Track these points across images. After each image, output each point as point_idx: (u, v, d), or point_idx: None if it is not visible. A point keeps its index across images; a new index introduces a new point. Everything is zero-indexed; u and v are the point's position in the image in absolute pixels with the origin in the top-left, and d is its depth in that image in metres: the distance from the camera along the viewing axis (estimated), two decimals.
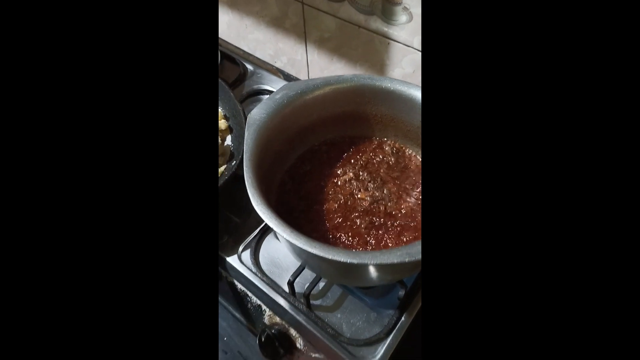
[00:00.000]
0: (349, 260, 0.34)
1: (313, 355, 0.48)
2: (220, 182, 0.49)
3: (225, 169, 0.53)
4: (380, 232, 0.46)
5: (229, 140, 0.58)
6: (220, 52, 0.80)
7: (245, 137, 0.43)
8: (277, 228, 0.36)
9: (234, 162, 0.52)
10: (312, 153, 0.53)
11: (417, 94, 0.47)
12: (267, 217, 0.38)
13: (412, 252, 0.33)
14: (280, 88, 0.47)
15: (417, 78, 0.64)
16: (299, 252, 0.41)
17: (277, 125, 0.47)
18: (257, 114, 0.45)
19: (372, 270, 0.40)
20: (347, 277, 0.44)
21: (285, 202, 0.49)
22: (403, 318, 0.46)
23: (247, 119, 0.45)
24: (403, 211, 0.47)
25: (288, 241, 0.39)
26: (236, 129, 0.57)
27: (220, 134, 0.56)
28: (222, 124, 0.56)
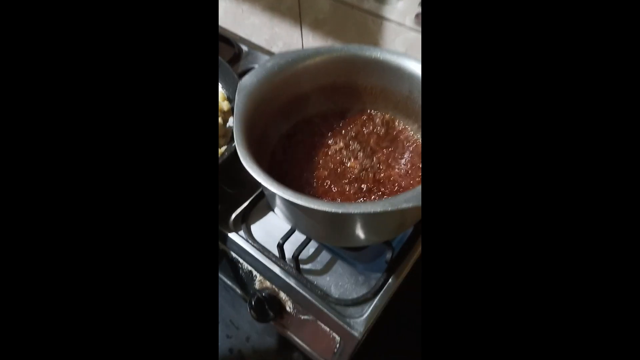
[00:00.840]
0: (333, 210, 0.35)
1: (302, 317, 0.49)
2: (220, 160, 0.50)
3: (225, 149, 0.53)
4: (372, 198, 0.47)
5: (231, 122, 0.59)
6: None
7: (235, 102, 0.45)
8: (266, 182, 0.38)
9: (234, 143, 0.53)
10: (303, 123, 0.54)
11: (407, 63, 0.48)
12: (255, 173, 0.39)
13: (395, 202, 0.34)
14: (272, 57, 0.48)
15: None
16: (286, 208, 0.43)
17: (267, 92, 0.48)
18: (248, 80, 0.47)
19: (358, 226, 0.41)
20: (334, 235, 0.45)
21: (276, 169, 0.50)
22: (390, 280, 0.47)
23: (238, 85, 0.46)
24: (391, 179, 0.49)
25: (276, 197, 0.40)
26: None
27: (222, 115, 0.57)
28: (225, 105, 0.57)
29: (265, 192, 0.47)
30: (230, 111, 0.58)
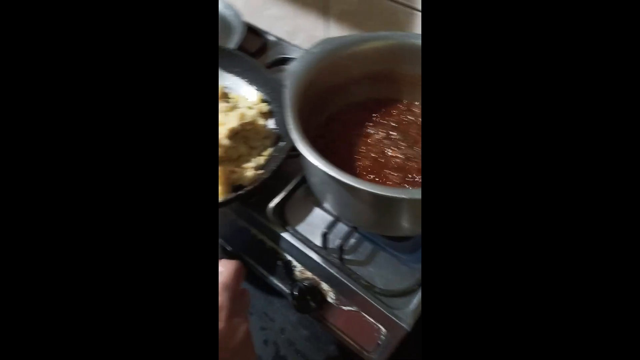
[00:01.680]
0: (389, 194, 0.35)
1: (345, 308, 0.48)
2: (277, 162, 0.49)
3: (274, 150, 0.53)
4: (415, 187, 0.46)
5: (271, 123, 0.58)
6: (244, 23, 0.80)
7: (286, 88, 0.44)
8: (326, 167, 0.37)
9: (283, 142, 0.53)
10: (342, 113, 0.53)
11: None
12: (314, 158, 0.38)
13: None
14: (319, 42, 0.48)
15: None
16: (336, 194, 0.42)
17: (313, 78, 0.47)
18: (296, 66, 0.46)
19: (407, 214, 0.40)
20: (381, 222, 0.44)
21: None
22: None
23: (286, 71, 0.45)
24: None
25: (326, 184, 0.39)
26: (278, 111, 0.56)
27: (263, 116, 0.56)
28: (264, 106, 0.56)
29: (312, 179, 0.46)
30: (270, 112, 0.57)
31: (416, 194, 0.35)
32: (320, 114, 0.52)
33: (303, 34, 0.85)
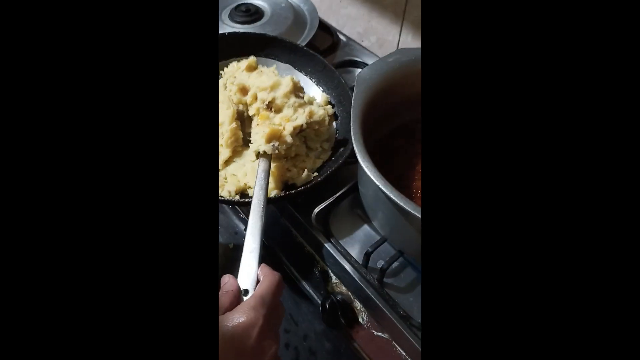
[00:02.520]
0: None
1: (375, 333, 0.45)
2: (332, 168, 0.49)
3: (332, 154, 0.52)
4: None
5: (333, 128, 0.57)
6: (318, 19, 0.78)
7: (354, 94, 0.42)
8: (382, 184, 0.34)
9: (342, 149, 0.51)
10: (407, 128, 0.51)
11: None
12: (372, 173, 0.36)
13: None
14: (394, 52, 0.45)
15: None
16: (388, 214, 0.39)
17: (384, 88, 0.45)
18: (367, 73, 0.44)
19: None
20: None
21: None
22: None
23: (357, 77, 0.43)
24: None
25: (378, 199, 0.37)
26: (342, 116, 0.55)
27: (328, 118, 0.55)
28: (329, 109, 0.55)
29: (365, 193, 0.44)
30: (334, 116, 0.55)
31: None
32: (385, 125, 0.50)
33: (374, 37, 0.83)
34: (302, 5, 0.77)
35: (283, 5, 0.75)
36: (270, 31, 0.67)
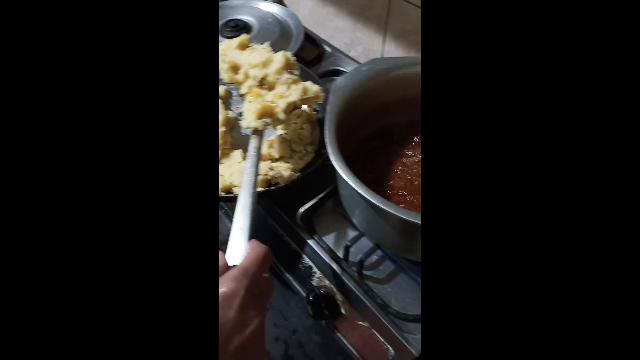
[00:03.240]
0: (415, 220, 0.35)
1: (357, 322, 0.48)
2: (312, 167, 0.51)
3: (316, 156, 0.55)
4: None
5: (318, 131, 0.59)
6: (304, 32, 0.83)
7: (329, 101, 0.45)
8: (355, 184, 0.38)
9: (324, 151, 0.55)
10: (384, 132, 0.54)
11: None
12: (345, 174, 0.39)
13: None
14: (368, 61, 0.49)
15: None
16: (364, 211, 0.43)
17: (359, 96, 0.48)
18: (342, 82, 0.47)
19: None
20: (406, 245, 0.44)
21: (352, 172, 0.50)
22: None
23: (332, 85, 0.47)
24: None
25: (356, 199, 0.40)
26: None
27: (310, 124, 0.57)
28: (313, 115, 0.58)
29: (343, 192, 0.48)
30: (319, 121, 0.58)
31: None
32: (363, 129, 0.53)
33: (360, 47, 0.87)
34: (288, 19, 0.81)
35: (270, 20, 0.80)
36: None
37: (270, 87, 0.48)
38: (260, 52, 0.50)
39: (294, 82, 0.49)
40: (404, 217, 0.36)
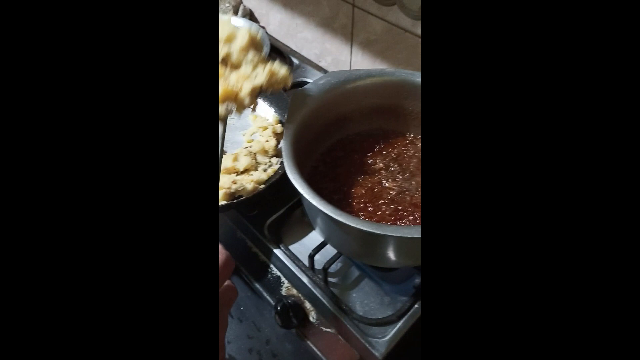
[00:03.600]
0: (370, 230, 0.36)
1: (324, 329, 0.49)
2: (275, 178, 0.53)
3: (280, 168, 0.56)
4: (404, 221, 0.47)
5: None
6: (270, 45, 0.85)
7: (287, 115, 0.47)
8: (308, 196, 0.39)
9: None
10: (346, 141, 0.56)
11: None
12: (299, 185, 0.40)
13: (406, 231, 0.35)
14: (325, 75, 0.50)
15: None
16: (323, 221, 0.44)
17: (317, 109, 0.50)
18: (301, 95, 0.49)
19: (391, 248, 0.41)
20: (366, 253, 0.45)
21: (316, 182, 0.52)
22: (416, 305, 0.47)
23: (291, 97, 0.49)
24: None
25: (314, 210, 0.41)
26: None
27: (276, 137, 0.58)
28: (278, 127, 0.59)
29: (304, 203, 0.49)
30: (283, 134, 0.60)
31: (403, 232, 0.36)
32: (325, 140, 0.55)
33: (329, 57, 0.89)
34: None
35: None
36: None
37: (234, 67, 0.41)
38: (222, 25, 0.42)
39: (261, 61, 0.42)
40: (358, 226, 0.37)
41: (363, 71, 0.51)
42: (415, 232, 0.35)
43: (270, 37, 0.96)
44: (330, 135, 0.54)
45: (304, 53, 0.93)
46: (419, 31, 0.67)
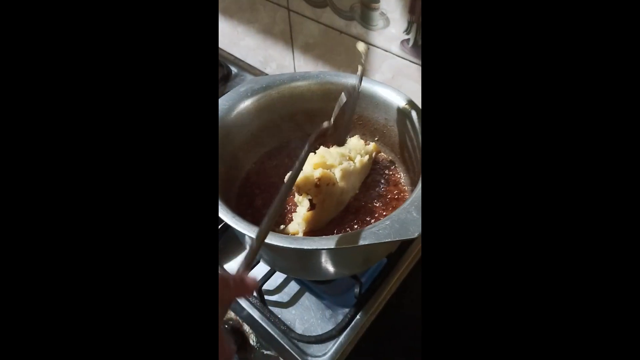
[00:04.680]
0: (290, 246, 0.33)
1: (265, 352, 0.46)
2: None
3: None
4: (341, 226, 0.45)
5: None
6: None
7: None
8: (224, 215, 0.36)
9: None
10: (278, 149, 0.53)
11: (381, 92, 0.47)
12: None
13: (352, 238, 0.33)
14: (246, 81, 0.48)
15: (397, 83, 0.65)
16: (243, 240, 0.41)
17: (239, 118, 0.47)
18: (220, 104, 0.46)
19: (321, 261, 0.39)
20: (298, 268, 0.43)
21: (248, 193, 0.49)
22: (358, 317, 0.45)
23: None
24: (365, 208, 0.47)
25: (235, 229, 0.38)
26: None
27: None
28: None
29: None
30: None
31: (321, 244, 0.33)
32: (253, 150, 0.52)
33: (274, 64, 0.87)
34: None
35: None
36: None
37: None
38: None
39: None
40: (278, 244, 0.35)
41: (287, 75, 0.49)
42: (345, 242, 0.33)
43: None
44: (259, 144, 0.52)
45: (249, 61, 0.90)
46: (353, 31, 0.66)
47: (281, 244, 0.34)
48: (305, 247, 0.33)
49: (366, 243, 0.32)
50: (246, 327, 0.47)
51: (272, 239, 0.34)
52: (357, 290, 0.45)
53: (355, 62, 0.71)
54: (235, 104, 0.46)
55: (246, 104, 0.47)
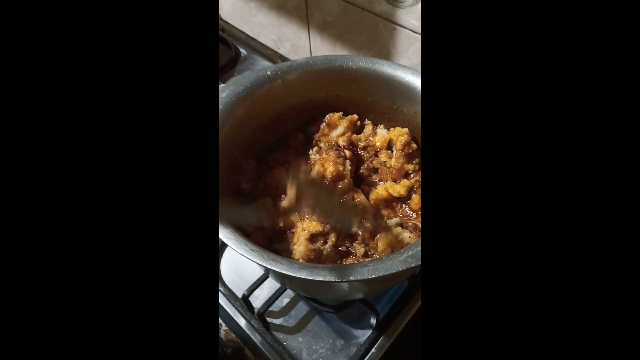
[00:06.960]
0: (300, 276, 0.28)
1: None
2: None
3: None
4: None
5: None
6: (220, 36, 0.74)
7: None
8: (225, 237, 0.30)
9: None
10: (277, 145, 0.46)
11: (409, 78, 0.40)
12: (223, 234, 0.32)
13: (379, 267, 0.27)
14: (226, 85, 0.41)
15: None
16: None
17: (231, 127, 0.40)
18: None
19: (334, 287, 0.33)
20: (309, 288, 0.37)
21: (252, 193, 0.43)
22: (374, 350, 0.39)
23: None
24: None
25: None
26: None
27: None
28: None
29: None
30: None
31: (336, 275, 0.28)
32: (252, 151, 0.45)
33: (289, 43, 0.79)
34: None
35: None
36: None
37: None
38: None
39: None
40: (295, 275, 0.28)
41: (273, 68, 0.42)
42: (357, 274, 0.27)
43: (225, 24, 0.86)
44: (258, 143, 0.45)
45: (262, 39, 0.82)
46: (377, 9, 0.57)
47: (289, 273, 0.28)
48: (319, 279, 0.28)
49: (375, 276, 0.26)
50: (248, 352, 0.43)
51: (283, 268, 0.28)
52: (373, 320, 0.39)
53: (375, 44, 0.63)
54: (221, 114, 0.39)
55: (233, 110, 0.40)
